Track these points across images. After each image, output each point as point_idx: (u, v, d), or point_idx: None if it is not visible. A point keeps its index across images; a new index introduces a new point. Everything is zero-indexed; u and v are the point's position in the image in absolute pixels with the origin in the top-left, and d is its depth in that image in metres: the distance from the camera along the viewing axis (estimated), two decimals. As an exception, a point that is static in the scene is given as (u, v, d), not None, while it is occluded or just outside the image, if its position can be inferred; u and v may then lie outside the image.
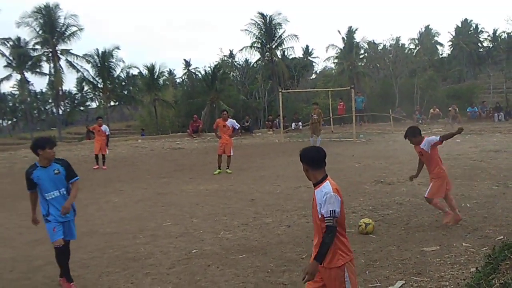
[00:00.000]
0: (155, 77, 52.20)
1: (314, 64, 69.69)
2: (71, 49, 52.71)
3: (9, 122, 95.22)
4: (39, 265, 7.02)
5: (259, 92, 50.92)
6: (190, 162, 18.84)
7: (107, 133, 18.52)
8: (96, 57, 52.08)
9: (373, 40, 53.63)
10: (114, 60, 53.07)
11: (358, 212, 9.07)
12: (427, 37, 63.97)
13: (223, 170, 15.41)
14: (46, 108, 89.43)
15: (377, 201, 9.95)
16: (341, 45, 51.04)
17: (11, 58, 54.53)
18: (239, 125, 17.27)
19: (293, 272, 6.04)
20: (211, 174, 15.23)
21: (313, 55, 70.66)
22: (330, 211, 3.90)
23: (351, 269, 4.03)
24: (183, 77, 78.26)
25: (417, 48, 62.20)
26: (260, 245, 7.38)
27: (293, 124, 30.80)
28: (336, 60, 53.93)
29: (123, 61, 60.19)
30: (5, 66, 55.37)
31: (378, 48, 53.26)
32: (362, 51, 53.20)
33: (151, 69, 51.93)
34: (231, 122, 15.78)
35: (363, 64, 52.88)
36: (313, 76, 66.78)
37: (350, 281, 3.99)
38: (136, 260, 6.97)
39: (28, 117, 68.12)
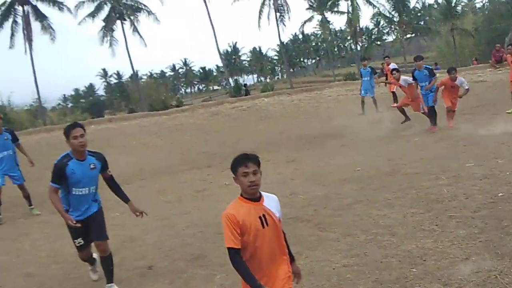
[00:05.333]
0: (453, 4, 49.65)
1: None
2: (366, -15, 53.83)
3: (313, 61, 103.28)
4: (349, 203, 7.47)
5: None
6: (493, 97, 17.61)
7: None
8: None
9: None
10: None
11: None
12: None
13: None
14: (345, 45, 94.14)
15: None
16: None
17: (312, 0, 58.44)
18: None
19: None
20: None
21: None
22: None
23: None
24: (484, 1, 72.65)
25: None
26: None
27: None
28: None
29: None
30: (307, 9, 59.76)
31: None
32: None
33: (448, -4, 49.60)
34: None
35: None
36: None
37: None
38: (439, 202, 6.95)
39: (329, 55, 72.82)
